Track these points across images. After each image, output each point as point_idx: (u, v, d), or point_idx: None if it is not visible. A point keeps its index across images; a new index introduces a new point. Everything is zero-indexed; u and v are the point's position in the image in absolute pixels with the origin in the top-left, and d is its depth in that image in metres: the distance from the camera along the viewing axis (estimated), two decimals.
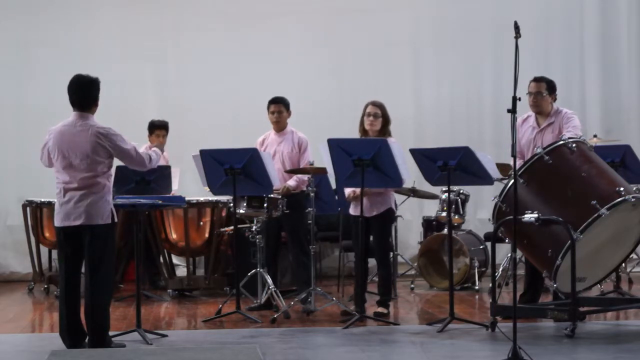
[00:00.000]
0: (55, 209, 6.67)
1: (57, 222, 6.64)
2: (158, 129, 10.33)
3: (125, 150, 6.64)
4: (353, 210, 8.32)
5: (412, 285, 10.33)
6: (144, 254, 10.11)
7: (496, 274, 8.43)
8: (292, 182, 8.81)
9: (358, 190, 8.04)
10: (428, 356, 6.51)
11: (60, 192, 6.59)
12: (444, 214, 9.95)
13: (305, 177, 8.57)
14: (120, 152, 6.64)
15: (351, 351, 6.70)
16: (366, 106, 8.29)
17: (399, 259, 10.37)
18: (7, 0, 11.56)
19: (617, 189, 7.07)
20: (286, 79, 11.17)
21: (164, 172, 9.42)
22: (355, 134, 8.37)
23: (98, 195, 6.53)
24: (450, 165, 7.55)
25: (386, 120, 8.26)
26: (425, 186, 9.30)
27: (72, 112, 6.69)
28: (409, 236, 11.42)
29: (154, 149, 7.04)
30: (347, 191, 8.28)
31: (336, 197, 8.90)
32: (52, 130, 6.68)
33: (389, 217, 8.30)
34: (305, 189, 8.54)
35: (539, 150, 7.24)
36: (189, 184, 10.61)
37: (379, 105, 8.27)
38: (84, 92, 6.63)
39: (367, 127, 8.23)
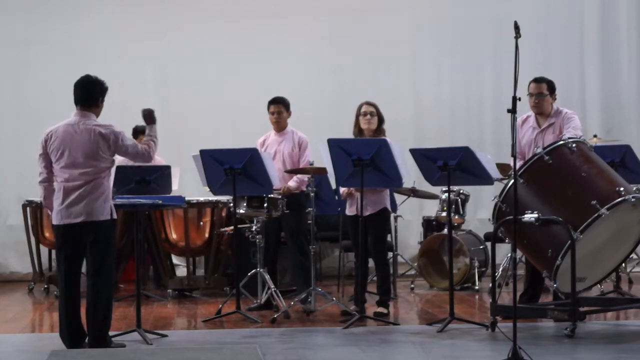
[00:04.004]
0: (54, 207, 6.67)
1: (57, 221, 6.64)
2: (142, 134, 10.32)
3: (129, 149, 6.67)
4: (348, 210, 8.33)
5: (412, 285, 10.33)
6: (147, 253, 10.15)
7: (496, 274, 8.43)
8: (292, 182, 8.81)
9: (352, 187, 8.06)
10: (428, 356, 6.51)
11: (60, 190, 6.60)
12: (444, 214, 9.95)
13: (306, 177, 8.57)
14: (124, 151, 6.66)
15: (351, 351, 6.70)
16: (360, 106, 8.33)
17: (399, 259, 10.37)
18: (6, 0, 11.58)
19: (617, 189, 7.07)
20: (286, 79, 11.19)
21: (164, 172, 9.42)
22: None
23: (98, 192, 6.54)
24: (450, 165, 7.55)
25: (380, 120, 8.30)
26: (425, 186, 9.30)
27: (72, 112, 6.72)
28: (409, 236, 11.42)
29: (148, 135, 6.98)
30: (342, 189, 8.29)
31: (336, 197, 8.91)
32: (53, 129, 6.68)
33: (384, 216, 8.30)
34: (305, 189, 8.56)
35: (539, 150, 7.24)
36: (189, 183, 10.61)
37: (373, 105, 8.31)
38: (86, 91, 6.68)
39: (363, 126, 8.25)
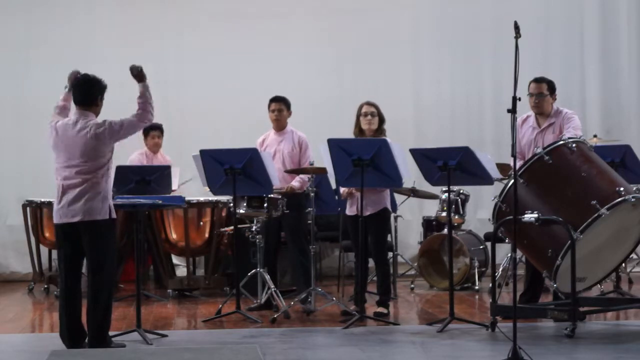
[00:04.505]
0: (54, 207, 6.67)
1: (56, 220, 6.65)
2: (152, 130, 10.35)
3: (125, 123, 6.60)
4: (348, 210, 8.33)
5: (412, 285, 10.33)
6: (147, 253, 10.15)
7: (496, 274, 8.43)
8: (296, 182, 8.81)
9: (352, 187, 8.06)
10: (428, 356, 6.51)
11: (59, 188, 6.60)
12: (444, 214, 9.95)
13: (307, 176, 8.57)
14: (124, 128, 6.59)
15: (351, 351, 6.70)
16: (361, 106, 8.33)
17: (399, 259, 10.37)
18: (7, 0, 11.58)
19: (617, 189, 7.07)
20: (286, 79, 11.18)
21: (164, 172, 9.43)
22: None
23: (95, 192, 6.53)
24: (450, 165, 7.55)
25: (381, 120, 8.31)
26: (425, 186, 9.30)
27: (72, 112, 6.74)
28: (409, 236, 11.42)
29: (140, 95, 6.75)
30: (342, 189, 8.29)
31: (336, 197, 8.91)
32: (55, 125, 6.69)
33: (384, 216, 8.30)
34: (305, 188, 8.56)
35: (539, 150, 7.24)
36: (188, 183, 10.61)
37: (374, 105, 8.31)
38: (85, 90, 6.67)
39: (364, 126, 8.25)
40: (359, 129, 8.30)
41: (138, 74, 6.79)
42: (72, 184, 6.55)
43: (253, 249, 8.99)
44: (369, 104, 8.32)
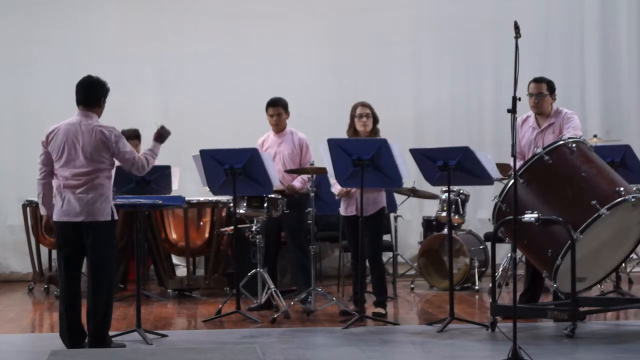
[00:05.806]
0: (55, 206, 6.66)
1: (56, 217, 6.64)
2: (130, 139, 10.24)
3: (126, 154, 6.67)
4: (343, 211, 8.31)
5: (412, 285, 10.32)
6: (147, 253, 10.14)
7: (496, 274, 8.43)
8: (297, 182, 8.79)
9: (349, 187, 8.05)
10: (428, 356, 6.51)
11: (60, 187, 6.60)
12: (444, 214, 9.94)
13: (307, 177, 8.57)
14: (122, 156, 6.67)
15: (351, 351, 6.70)
16: (355, 107, 8.29)
17: (399, 259, 10.36)
18: (7, 0, 11.58)
19: (617, 189, 7.07)
20: (286, 79, 11.19)
21: (164, 172, 9.42)
22: None
23: (98, 192, 6.54)
24: (450, 165, 7.55)
25: (375, 120, 8.27)
26: (425, 186, 9.30)
27: (73, 112, 6.73)
28: (409, 236, 11.42)
29: (150, 150, 6.98)
30: (337, 189, 8.27)
31: (336, 197, 8.90)
32: (54, 128, 6.69)
33: (381, 216, 8.28)
34: (305, 188, 8.56)
35: (539, 150, 7.25)
36: (189, 184, 10.61)
37: (368, 106, 8.28)
38: (88, 91, 6.69)
39: (359, 128, 8.22)
40: (353, 130, 8.28)
41: (162, 136, 7.05)
42: (74, 184, 6.55)
43: (253, 249, 8.99)
44: (363, 105, 8.27)
